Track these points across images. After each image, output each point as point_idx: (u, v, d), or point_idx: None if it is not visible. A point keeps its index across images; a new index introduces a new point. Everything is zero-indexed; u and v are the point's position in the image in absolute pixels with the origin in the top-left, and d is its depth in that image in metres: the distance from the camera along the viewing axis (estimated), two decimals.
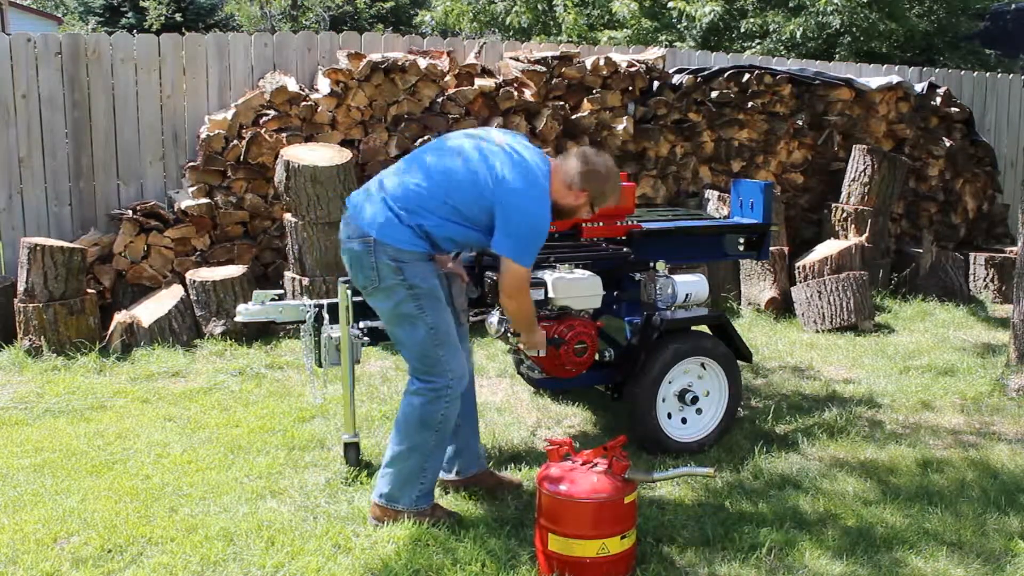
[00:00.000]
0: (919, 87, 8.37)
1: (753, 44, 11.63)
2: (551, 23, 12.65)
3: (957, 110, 8.51)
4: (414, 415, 3.32)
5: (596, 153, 3.44)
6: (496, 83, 6.85)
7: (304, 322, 3.83)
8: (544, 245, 3.90)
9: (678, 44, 11.68)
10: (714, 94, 7.46)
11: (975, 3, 13.18)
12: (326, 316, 3.83)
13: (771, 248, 5.39)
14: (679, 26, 11.87)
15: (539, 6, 12.72)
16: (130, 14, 19.36)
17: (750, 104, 7.59)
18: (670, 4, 11.64)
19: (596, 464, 3.01)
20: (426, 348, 3.28)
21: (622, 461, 2.98)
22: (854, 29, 11.37)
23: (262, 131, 6.31)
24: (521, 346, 3.64)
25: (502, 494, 3.61)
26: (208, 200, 6.30)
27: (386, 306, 3.30)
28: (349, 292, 3.66)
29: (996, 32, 14.43)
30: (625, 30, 11.78)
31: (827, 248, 7.22)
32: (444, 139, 3.42)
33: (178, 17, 18.80)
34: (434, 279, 3.30)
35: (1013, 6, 14.45)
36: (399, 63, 6.53)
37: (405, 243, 3.20)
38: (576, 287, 3.90)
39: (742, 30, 11.65)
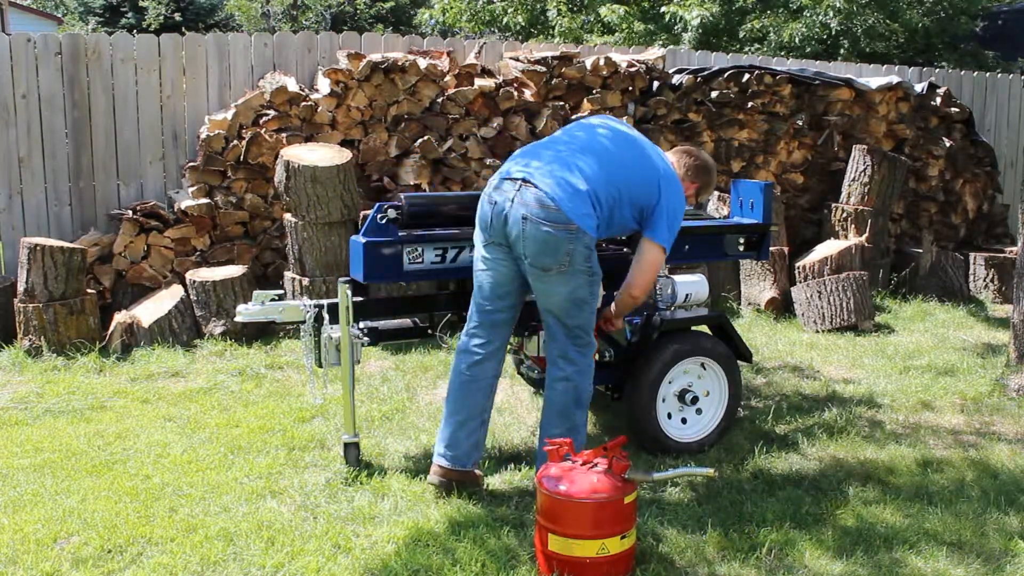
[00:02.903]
0: (919, 87, 8.37)
1: (752, 47, 11.62)
2: (544, 24, 12.65)
3: (957, 110, 8.51)
4: (569, 396, 3.51)
5: (698, 149, 3.86)
6: (496, 83, 6.85)
7: (304, 322, 3.82)
8: None
9: (672, 47, 11.69)
10: (714, 94, 7.46)
11: (975, 4, 13.17)
12: (326, 316, 3.83)
13: (771, 248, 5.39)
14: (675, 29, 11.87)
15: (536, 7, 12.72)
16: (130, 14, 19.39)
17: (750, 104, 7.59)
18: (663, 8, 11.64)
19: (596, 464, 3.01)
20: (584, 330, 3.51)
21: (622, 461, 2.98)
22: (855, 30, 11.36)
23: (262, 131, 6.32)
24: (611, 323, 3.82)
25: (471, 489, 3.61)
26: (208, 200, 6.30)
27: (562, 289, 3.42)
28: (349, 292, 3.67)
29: (994, 33, 14.44)
30: (616, 34, 11.78)
31: (827, 248, 7.22)
32: (604, 126, 3.67)
33: (177, 17, 18.82)
34: (597, 262, 3.50)
35: (1010, 6, 14.45)
36: (399, 63, 6.54)
37: (594, 230, 3.40)
38: None
39: (740, 36, 11.65)
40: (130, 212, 6.21)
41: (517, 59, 7.11)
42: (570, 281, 3.39)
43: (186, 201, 6.28)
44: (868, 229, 7.50)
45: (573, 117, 7.04)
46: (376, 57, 6.55)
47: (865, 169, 7.60)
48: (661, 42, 11.65)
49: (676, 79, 7.38)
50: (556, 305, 3.46)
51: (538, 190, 3.34)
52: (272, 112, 6.36)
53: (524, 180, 3.39)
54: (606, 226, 3.50)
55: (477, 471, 3.65)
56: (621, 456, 3.00)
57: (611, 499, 2.89)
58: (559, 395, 3.52)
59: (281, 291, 4.64)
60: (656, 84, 7.30)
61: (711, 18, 11.25)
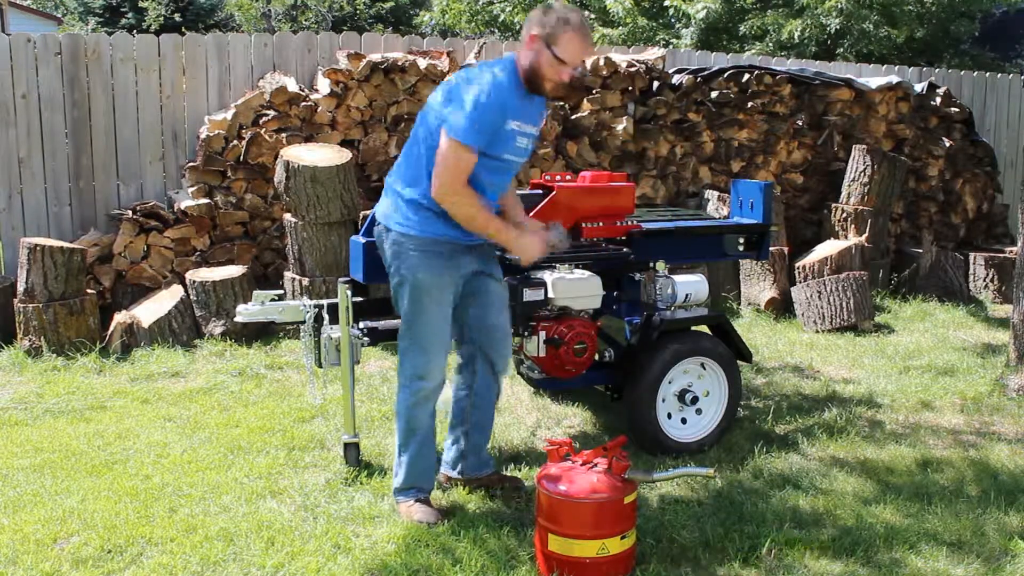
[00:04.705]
0: (919, 87, 8.38)
1: (752, 45, 11.63)
2: None
3: (957, 110, 8.52)
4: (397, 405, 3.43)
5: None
6: None
7: (304, 322, 3.83)
8: None
9: (674, 42, 11.69)
10: (714, 94, 7.46)
11: (976, 5, 13.15)
12: (326, 316, 3.83)
13: (771, 248, 5.39)
14: (677, 24, 11.89)
15: (536, 4, 12.71)
16: (130, 14, 19.38)
17: (750, 104, 7.59)
18: (666, 2, 11.65)
19: (596, 464, 3.01)
20: (401, 339, 3.35)
21: (622, 461, 2.98)
22: (855, 31, 11.37)
23: (262, 131, 6.32)
24: (513, 257, 3.29)
25: (503, 491, 3.59)
26: (208, 200, 6.30)
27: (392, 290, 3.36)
28: (349, 292, 3.67)
29: (991, 33, 14.46)
30: (620, 28, 11.78)
31: (827, 248, 7.23)
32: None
33: (177, 17, 18.82)
34: (427, 274, 3.20)
35: (1006, 10, 14.44)
36: (399, 63, 6.54)
37: (408, 227, 3.19)
38: (576, 287, 3.90)
39: (740, 33, 11.66)
40: (130, 212, 6.21)
41: None
42: (392, 282, 3.32)
43: (186, 201, 6.28)
44: (868, 229, 7.50)
45: (572, 117, 7.06)
46: (376, 57, 6.55)
47: (865, 169, 7.60)
48: (663, 39, 11.65)
49: (676, 79, 7.38)
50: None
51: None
52: (272, 112, 6.37)
53: None
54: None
55: (473, 475, 3.61)
56: (621, 456, 3.00)
57: (611, 499, 2.89)
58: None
59: (281, 291, 4.64)
60: (656, 84, 7.30)
61: (715, 12, 11.24)
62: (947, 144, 8.37)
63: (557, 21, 3.05)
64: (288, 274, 6.16)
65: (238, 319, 3.89)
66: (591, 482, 2.92)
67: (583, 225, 4.00)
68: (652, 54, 7.65)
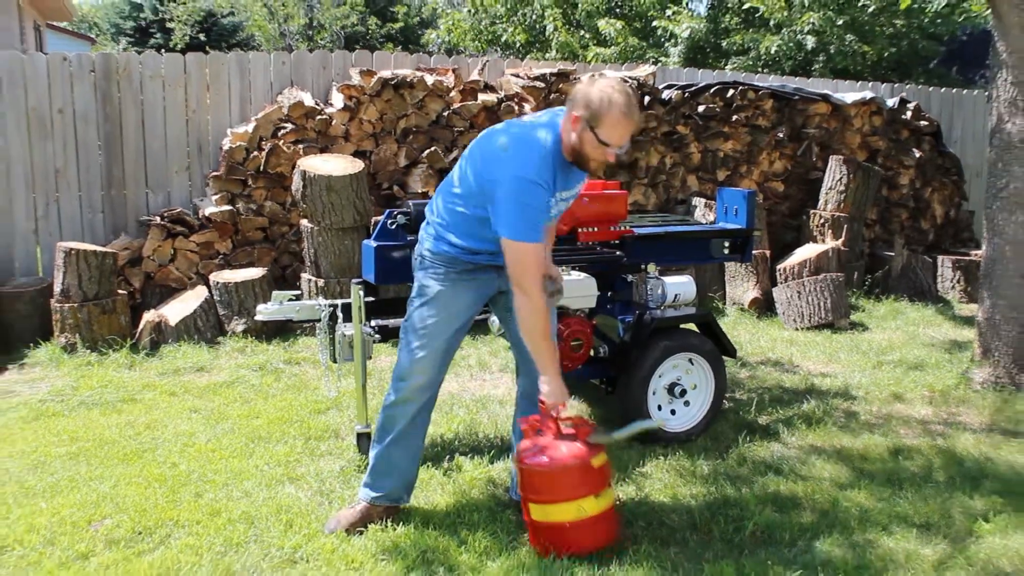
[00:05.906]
0: (891, 102, 8.37)
1: (733, 61, 11.64)
2: (543, 41, 12.65)
3: (926, 123, 8.52)
4: None
5: (605, 76, 2.84)
6: (498, 98, 6.85)
7: (319, 321, 3.83)
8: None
9: (663, 60, 11.71)
10: (701, 108, 7.46)
11: (946, 27, 13.14)
12: (340, 315, 3.84)
13: (754, 251, 5.39)
14: (665, 44, 11.91)
15: (535, 26, 12.72)
16: (158, 35, 19.41)
17: (734, 118, 7.59)
18: (655, 23, 11.68)
19: (564, 434, 2.97)
20: (399, 337, 3.19)
21: (585, 427, 2.96)
22: (829, 48, 11.37)
23: (280, 143, 6.32)
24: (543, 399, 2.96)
25: None
26: (230, 207, 6.31)
27: None
28: (361, 292, 3.67)
29: (956, 54, 14.48)
30: (612, 47, 11.82)
31: (806, 251, 7.23)
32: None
33: (202, 37, 18.85)
34: (441, 282, 3.03)
35: (971, 31, 14.44)
36: (407, 79, 6.54)
37: (435, 248, 3.05)
38: (573, 288, 3.90)
39: (723, 48, 11.68)
40: (158, 218, 6.22)
41: (518, 75, 7.11)
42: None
43: (210, 208, 6.28)
44: (844, 234, 7.50)
45: None
46: (386, 74, 6.55)
47: (841, 178, 7.60)
48: (652, 57, 11.67)
49: (666, 94, 7.38)
50: None
51: None
52: (290, 125, 6.37)
53: None
54: (465, 233, 2.98)
55: (510, 497, 3.41)
56: (584, 424, 2.98)
57: (577, 461, 2.85)
58: None
59: (298, 292, 4.65)
60: (647, 99, 7.30)
61: (699, 31, 11.27)
62: (917, 155, 8.37)
63: (600, 102, 2.72)
64: (305, 276, 6.17)
65: (258, 318, 3.89)
66: (557, 448, 2.88)
67: (579, 230, 4.01)
68: (643, 71, 7.65)
